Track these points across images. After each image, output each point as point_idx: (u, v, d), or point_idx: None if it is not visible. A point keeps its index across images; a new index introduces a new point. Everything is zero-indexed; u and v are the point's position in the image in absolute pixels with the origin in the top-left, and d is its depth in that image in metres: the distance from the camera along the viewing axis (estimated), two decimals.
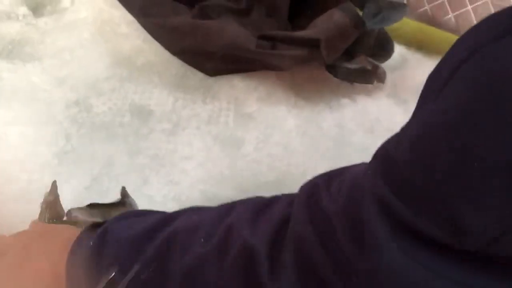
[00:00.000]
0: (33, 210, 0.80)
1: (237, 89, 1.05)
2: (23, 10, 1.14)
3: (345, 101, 1.08)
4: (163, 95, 1.02)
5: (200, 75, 1.05)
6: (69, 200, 0.82)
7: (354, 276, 0.31)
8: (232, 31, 0.94)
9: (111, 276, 0.42)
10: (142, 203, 0.84)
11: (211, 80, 1.05)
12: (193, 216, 0.46)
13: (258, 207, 0.43)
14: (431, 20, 1.26)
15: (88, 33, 1.10)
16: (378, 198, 0.32)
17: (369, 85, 1.08)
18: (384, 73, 1.07)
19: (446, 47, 0.36)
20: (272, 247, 0.37)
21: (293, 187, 0.91)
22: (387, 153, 0.34)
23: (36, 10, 1.17)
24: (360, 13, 0.99)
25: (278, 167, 0.92)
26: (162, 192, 0.86)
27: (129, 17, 1.12)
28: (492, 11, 1.16)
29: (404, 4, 1.00)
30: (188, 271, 0.41)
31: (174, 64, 1.07)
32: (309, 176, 0.95)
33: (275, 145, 0.96)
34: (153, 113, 0.98)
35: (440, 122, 0.30)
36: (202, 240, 0.42)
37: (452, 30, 1.22)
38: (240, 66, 1.02)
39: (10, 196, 0.81)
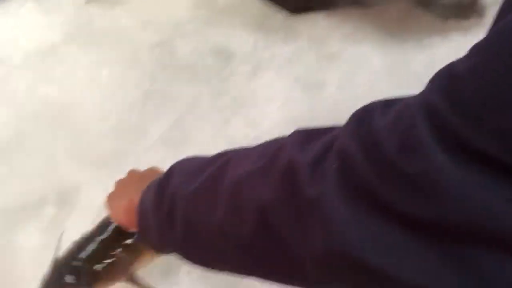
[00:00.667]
0: (121, 146, 0.85)
1: (320, 27, 1.00)
2: None
3: (437, 39, 0.99)
4: (244, 37, 1.01)
5: (281, 14, 1.02)
6: (154, 140, 0.85)
7: (398, 179, 0.31)
8: None
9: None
10: (223, 144, 0.85)
11: (292, 19, 1.02)
12: (246, 147, 0.50)
13: (312, 132, 0.44)
14: None
15: None
16: (430, 112, 0.31)
17: (465, 22, 0.98)
18: (483, 7, 0.96)
19: None
20: (316, 160, 0.38)
21: None
22: (450, 68, 0.32)
23: None
24: None
25: None
26: (242, 133, 0.86)
27: None
28: None
29: None
30: (237, 183, 0.43)
31: (256, 3, 1.04)
32: None
33: (359, 87, 0.91)
34: (234, 55, 0.97)
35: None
36: (254, 159, 0.44)
37: None
38: (323, 2, 0.97)
39: (102, 133, 0.86)
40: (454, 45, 0.99)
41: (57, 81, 0.91)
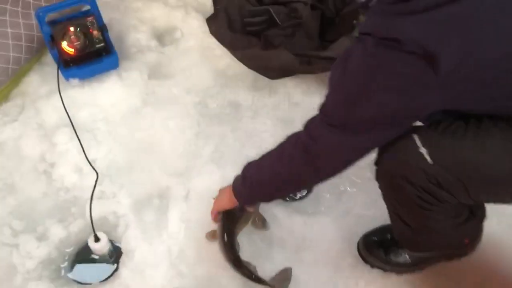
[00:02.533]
0: (188, 163, 1.54)
1: (289, 87, 1.73)
2: (154, 42, 1.85)
3: None
4: (245, 93, 1.72)
5: (266, 80, 1.74)
6: (205, 159, 1.55)
7: None
8: (284, 58, 1.60)
9: None
10: (244, 160, 1.55)
11: (273, 82, 1.74)
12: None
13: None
14: None
15: (196, 56, 1.80)
16: None
17: None
18: None
19: None
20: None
21: None
22: None
23: (160, 40, 1.88)
24: None
25: None
26: (254, 153, 1.57)
27: None
28: None
29: None
30: (275, 159, 1.10)
31: (250, 73, 1.75)
32: None
33: None
34: (241, 106, 1.69)
35: None
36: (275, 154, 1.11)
37: None
38: (290, 73, 1.70)
39: (176, 157, 1.55)
40: None
41: (145, 129, 1.60)
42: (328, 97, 0.95)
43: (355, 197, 1.48)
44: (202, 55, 1.80)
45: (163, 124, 1.62)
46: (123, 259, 1.35)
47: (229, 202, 1.21)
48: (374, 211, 1.41)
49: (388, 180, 1.01)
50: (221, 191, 1.27)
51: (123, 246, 1.37)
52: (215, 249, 1.29)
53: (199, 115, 1.65)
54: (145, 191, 1.48)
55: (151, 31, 1.88)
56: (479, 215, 1.15)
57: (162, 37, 1.90)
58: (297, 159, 1.02)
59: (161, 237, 1.38)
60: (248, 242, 1.34)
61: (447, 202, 0.95)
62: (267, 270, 1.28)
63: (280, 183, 1.10)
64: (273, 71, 1.69)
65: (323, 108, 0.97)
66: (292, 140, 1.06)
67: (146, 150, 1.57)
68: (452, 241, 1.16)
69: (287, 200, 1.46)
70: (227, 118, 1.66)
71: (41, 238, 1.36)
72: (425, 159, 0.89)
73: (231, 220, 1.28)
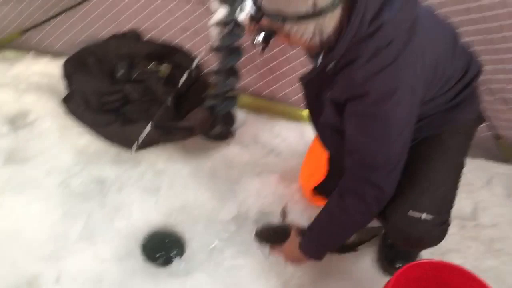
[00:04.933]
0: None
1: (152, 156, 1.83)
2: (6, 127, 1.82)
3: (213, 152, 1.90)
4: (109, 167, 1.77)
5: (128, 152, 1.81)
6: (74, 237, 1.54)
7: None
8: (143, 131, 1.71)
9: None
10: (116, 235, 1.58)
11: (136, 153, 1.82)
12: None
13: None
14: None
15: (55, 136, 1.81)
16: None
17: (225, 141, 1.91)
18: (234, 132, 1.90)
19: None
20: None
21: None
22: None
23: (13, 124, 1.85)
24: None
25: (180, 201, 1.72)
26: (124, 225, 1.61)
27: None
28: None
29: (234, 97, 1.83)
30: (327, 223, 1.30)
31: (113, 147, 1.81)
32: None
33: (179, 188, 1.75)
34: (106, 180, 1.73)
35: None
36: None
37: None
38: (152, 144, 1.81)
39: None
40: (234, 153, 1.90)
41: (4, 218, 1.54)
42: (367, 155, 1.14)
43: (224, 251, 1.59)
44: (61, 135, 1.82)
45: (24, 209, 1.58)
46: None
47: (298, 258, 1.38)
48: (244, 259, 1.55)
49: None
50: (286, 250, 1.44)
51: None
52: None
53: (62, 196, 1.64)
54: (10, 284, 1.41)
55: (1, 116, 1.85)
56: None
57: (15, 121, 1.87)
58: (362, 214, 1.21)
59: None
60: None
61: None
62: None
63: (344, 236, 1.33)
64: (134, 144, 1.78)
65: (368, 164, 1.14)
66: (352, 207, 1.20)
67: (8, 239, 1.50)
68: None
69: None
70: (92, 194, 1.68)
71: None
72: None
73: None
